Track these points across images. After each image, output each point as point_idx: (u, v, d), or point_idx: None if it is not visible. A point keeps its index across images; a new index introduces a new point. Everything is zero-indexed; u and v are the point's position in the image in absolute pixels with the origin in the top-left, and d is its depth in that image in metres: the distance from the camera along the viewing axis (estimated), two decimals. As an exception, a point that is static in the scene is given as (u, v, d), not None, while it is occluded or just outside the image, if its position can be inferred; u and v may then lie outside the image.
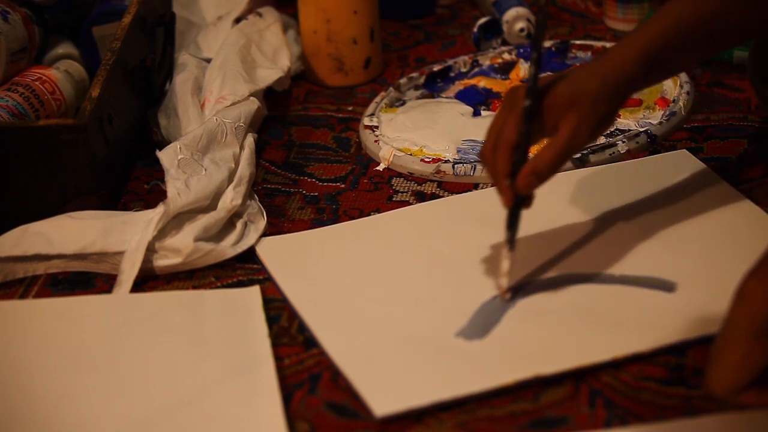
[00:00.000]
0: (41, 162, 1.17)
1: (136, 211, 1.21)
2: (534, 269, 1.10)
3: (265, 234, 1.19)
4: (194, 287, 1.13)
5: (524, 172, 1.02)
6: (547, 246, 1.13)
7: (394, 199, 1.25)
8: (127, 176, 1.31)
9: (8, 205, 1.18)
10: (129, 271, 1.12)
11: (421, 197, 1.25)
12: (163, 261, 1.14)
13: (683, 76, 1.36)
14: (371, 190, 1.27)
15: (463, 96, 1.41)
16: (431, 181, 1.27)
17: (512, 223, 1.05)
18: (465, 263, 1.12)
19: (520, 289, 1.08)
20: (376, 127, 1.35)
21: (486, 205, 1.20)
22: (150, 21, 1.40)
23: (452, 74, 1.46)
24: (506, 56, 1.48)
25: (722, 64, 1.42)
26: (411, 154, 1.30)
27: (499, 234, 1.15)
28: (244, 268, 1.15)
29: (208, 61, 1.41)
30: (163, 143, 1.29)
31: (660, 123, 1.30)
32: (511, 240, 1.05)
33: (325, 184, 1.28)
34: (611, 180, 1.22)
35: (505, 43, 1.52)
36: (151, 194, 1.27)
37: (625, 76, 1.03)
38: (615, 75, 1.03)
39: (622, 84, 1.03)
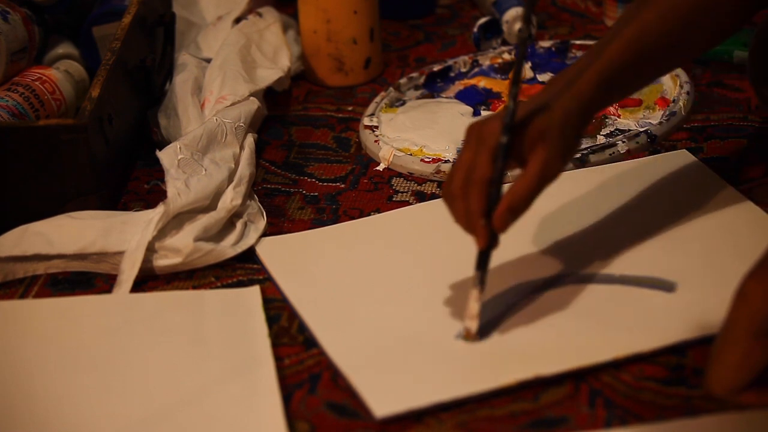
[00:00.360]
0: (41, 162, 1.17)
1: (136, 211, 1.21)
2: (534, 269, 1.10)
3: (265, 234, 1.19)
4: (194, 287, 1.13)
5: (500, 210, 0.99)
6: (546, 246, 1.13)
7: (394, 199, 1.25)
8: (127, 176, 1.31)
9: (8, 205, 1.18)
10: (129, 271, 1.12)
11: (421, 197, 1.25)
12: (163, 261, 1.14)
13: (683, 76, 1.36)
14: (371, 190, 1.27)
15: (463, 96, 1.41)
16: (431, 181, 1.27)
17: (483, 263, 1.01)
18: (465, 263, 1.12)
19: (520, 289, 1.08)
20: (376, 127, 1.35)
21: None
22: (150, 21, 1.40)
23: (452, 74, 1.46)
24: (506, 56, 1.48)
25: (722, 64, 1.42)
26: (411, 154, 1.30)
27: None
28: (244, 268, 1.15)
29: (208, 61, 1.41)
30: (163, 143, 1.29)
31: (660, 123, 1.30)
32: (482, 281, 1.01)
33: (325, 184, 1.28)
34: (611, 180, 1.22)
35: (505, 43, 1.52)
36: (151, 194, 1.27)
37: (587, 101, 1.02)
38: (577, 102, 1.01)
39: (584, 109, 1.02)
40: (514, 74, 1.00)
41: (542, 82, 1.42)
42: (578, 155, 1.25)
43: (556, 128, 1.00)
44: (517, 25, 1.51)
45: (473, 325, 1.02)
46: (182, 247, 1.13)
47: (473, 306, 1.02)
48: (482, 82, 1.43)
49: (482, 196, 0.99)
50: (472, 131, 1.02)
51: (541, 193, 1.00)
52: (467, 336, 1.02)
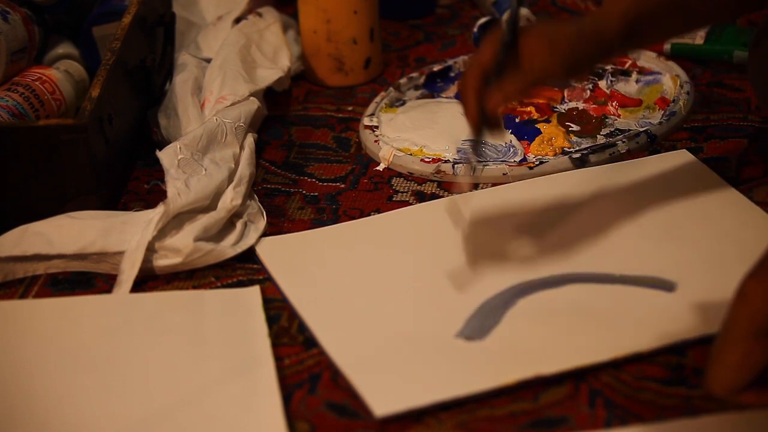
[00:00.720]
0: (41, 162, 1.17)
1: (136, 211, 1.21)
2: (534, 269, 1.10)
3: (265, 234, 1.19)
4: (194, 287, 1.13)
5: (491, 90, 1.04)
6: (546, 246, 1.13)
7: (394, 199, 1.25)
8: (127, 176, 1.31)
9: (8, 205, 1.18)
10: (129, 271, 1.12)
11: (421, 197, 1.25)
12: (163, 261, 1.14)
13: (683, 76, 1.36)
14: (371, 190, 1.27)
15: (463, 96, 1.41)
16: (431, 181, 1.27)
17: (476, 136, 1.06)
18: (464, 263, 1.12)
19: (520, 289, 1.08)
20: (376, 127, 1.35)
21: (485, 206, 1.20)
22: (150, 21, 1.40)
23: (452, 74, 1.46)
24: (506, 56, 1.48)
25: (722, 64, 1.42)
26: (411, 154, 1.30)
27: (498, 233, 1.15)
28: (244, 268, 1.15)
29: (208, 61, 1.41)
30: (163, 143, 1.29)
31: (660, 123, 1.30)
32: (476, 152, 1.07)
33: (325, 184, 1.28)
34: (611, 180, 1.22)
35: (505, 43, 1.52)
36: (151, 194, 1.27)
37: (606, 30, 1.05)
38: (595, 26, 1.05)
39: (600, 35, 1.05)
40: None
41: (542, 82, 1.41)
42: (578, 155, 1.25)
43: (568, 35, 1.04)
44: (517, 25, 1.51)
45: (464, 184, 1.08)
46: (182, 247, 1.13)
47: (464, 178, 1.08)
48: (482, 82, 1.43)
49: (477, 75, 1.04)
50: (492, 31, 1.06)
51: (532, 87, 1.04)
52: (457, 189, 1.07)
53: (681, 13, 1.08)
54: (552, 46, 1.03)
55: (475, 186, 1.25)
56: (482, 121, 1.05)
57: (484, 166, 1.26)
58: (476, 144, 1.06)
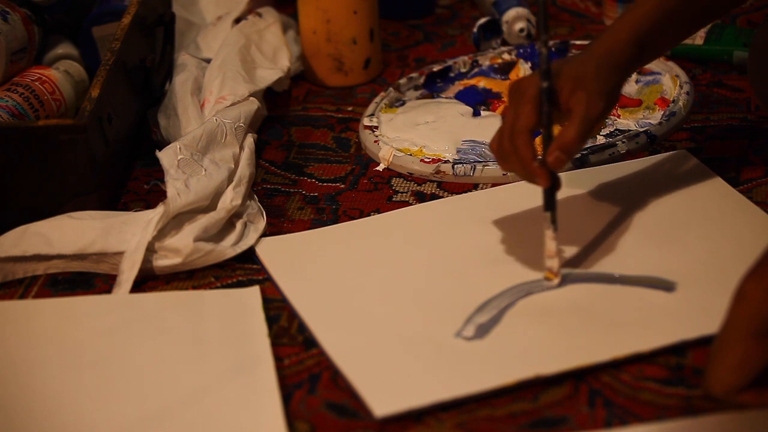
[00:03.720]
0: (41, 162, 1.17)
1: (136, 211, 1.21)
2: (534, 269, 1.10)
3: (264, 234, 1.19)
4: (194, 287, 1.13)
5: (552, 150, 1.03)
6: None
7: (393, 199, 1.25)
8: (127, 176, 1.31)
9: (8, 205, 1.18)
10: (129, 272, 1.12)
11: (421, 197, 1.25)
12: (162, 261, 1.14)
13: (683, 76, 1.36)
14: (371, 190, 1.27)
15: (463, 96, 1.41)
16: (431, 181, 1.27)
17: (551, 203, 1.05)
18: (464, 263, 1.12)
19: (520, 289, 1.08)
20: (376, 127, 1.35)
21: (485, 206, 1.21)
22: (150, 21, 1.40)
23: (452, 74, 1.46)
24: (506, 56, 1.48)
25: (722, 64, 1.42)
26: (411, 155, 1.30)
27: (498, 233, 1.15)
28: (243, 268, 1.15)
29: (208, 61, 1.41)
30: (162, 143, 1.29)
31: (660, 123, 1.30)
32: (554, 220, 1.05)
33: (325, 184, 1.28)
34: (611, 180, 1.22)
35: (504, 43, 1.52)
36: (151, 194, 1.27)
37: (620, 57, 1.07)
38: (610, 56, 1.06)
39: (618, 63, 1.06)
40: (541, 22, 1.04)
41: (542, 82, 1.41)
42: (578, 155, 1.25)
43: (590, 70, 1.05)
44: (517, 25, 1.51)
45: (554, 264, 1.06)
46: (182, 247, 1.13)
47: (551, 245, 1.05)
48: (482, 82, 1.43)
49: (528, 143, 1.04)
50: (510, 91, 1.07)
51: (590, 135, 1.05)
52: (549, 275, 1.06)
53: (683, 19, 1.09)
54: (586, 88, 1.04)
55: (475, 186, 1.26)
56: (554, 184, 1.05)
57: (484, 166, 1.26)
58: (552, 202, 1.05)
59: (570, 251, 1.12)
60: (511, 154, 1.05)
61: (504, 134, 1.06)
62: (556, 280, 1.07)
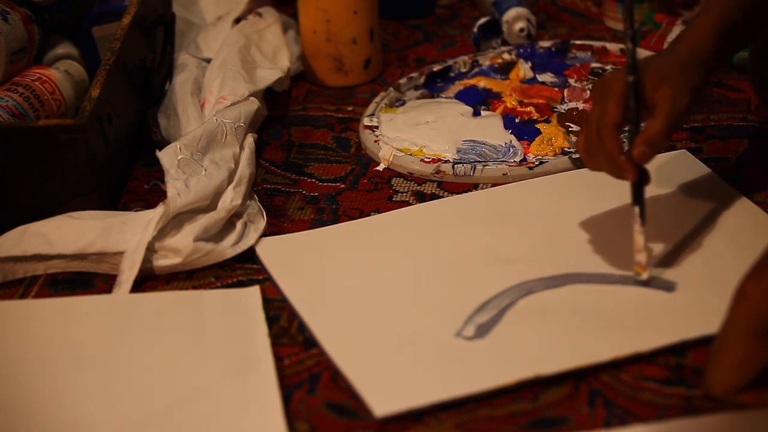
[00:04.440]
0: (41, 162, 1.17)
1: (136, 211, 1.21)
2: (534, 269, 1.10)
3: (264, 234, 1.19)
4: (194, 287, 1.13)
5: (638, 143, 1.04)
6: (546, 246, 1.13)
7: (393, 199, 1.25)
8: (127, 176, 1.31)
9: (8, 204, 1.18)
10: (129, 272, 1.12)
11: (421, 197, 1.25)
12: (162, 261, 1.14)
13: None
14: (371, 190, 1.27)
15: (463, 96, 1.41)
16: (431, 181, 1.27)
17: (639, 197, 1.05)
18: (464, 263, 1.12)
19: (520, 289, 1.08)
20: (376, 127, 1.35)
21: (486, 206, 1.21)
22: (150, 21, 1.40)
23: (452, 74, 1.46)
24: (506, 56, 1.48)
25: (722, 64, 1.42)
26: (411, 154, 1.30)
27: (498, 233, 1.15)
28: (243, 268, 1.15)
29: (208, 61, 1.41)
30: (162, 143, 1.29)
31: (660, 123, 1.30)
32: (642, 214, 1.05)
33: (325, 184, 1.28)
34: (611, 180, 1.22)
35: (504, 43, 1.52)
36: (151, 194, 1.27)
37: (703, 51, 1.07)
38: (694, 52, 1.07)
39: (702, 58, 1.07)
40: (627, 14, 1.05)
41: (542, 82, 1.42)
42: (578, 155, 1.25)
43: (675, 67, 1.05)
44: (517, 25, 1.51)
45: (642, 257, 1.06)
46: (182, 247, 1.13)
47: (639, 239, 1.05)
48: (482, 82, 1.43)
49: (615, 137, 1.04)
50: (595, 87, 1.08)
51: (676, 130, 1.05)
52: (638, 270, 1.06)
53: (760, 10, 1.10)
54: (671, 83, 1.05)
55: (475, 186, 1.26)
56: (642, 178, 1.05)
57: (484, 166, 1.26)
58: (640, 196, 1.06)
59: (570, 251, 1.12)
60: (599, 150, 1.05)
61: (591, 130, 1.06)
62: (645, 275, 1.06)
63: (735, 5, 1.08)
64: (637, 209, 1.05)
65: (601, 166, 1.06)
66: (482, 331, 1.03)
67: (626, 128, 1.07)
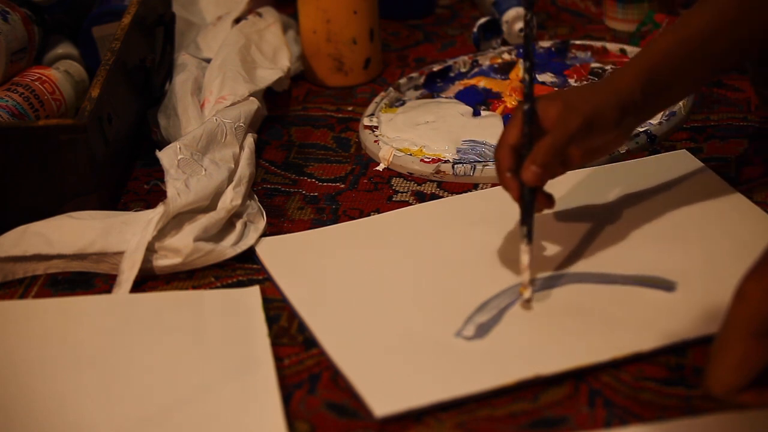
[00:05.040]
0: (41, 162, 1.17)
1: (136, 211, 1.21)
2: (534, 269, 1.10)
3: (264, 234, 1.19)
4: (194, 287, 1.13)
5: (525, 164, 1.04)
6: (547, 246, 1.13)
7: (393, 199, 1.25)
8: (127, 176, 1.31)
9: (8, 205, 1.18)
10: (129, 272, 1.12)
11: (421, 197, 1.25)
12: (162, 261, 1.14)
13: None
14: (371, 190, 1.27)
15: (463, 96, 1.41)
16: (431, 181, 1.27)
17: (525, 217, 1.06)
18: (464, 263, 1.12)
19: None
20: (376, 127, 1.35)
21: (486, 206, 1.21)
22: (150, 21, 1.40)
23: (452, 74, 1.46)
24: (506, 56, 1.48)
25: (722, 64, 1.42)
26: (411, 154, 1.30)
27: (498, 233, 1.15)
28: (243, 268, 1.15)
29: (208, 61, 1.41)
30: (162, 143, 1.29)
31: (660, 123, 1.30)
32: (528, 234, 1.05)
33: (325, 184, 1.28)
34: (611, 180, 1.22)
35: (504, 43, 1.52)
36: (151, 194, 1.27)
37: (622, 83, 1.07)
38: (613, 82, 1.07)
39: (618, 88, 1.06)
40: (527, 50, 1.07)
41: (542, 83, 1.42)
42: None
43: (575, 92, 1.07)
44: (517, 25, 1.51)
45: (525, 276, 1.05)
46: (182, 247, 1.13)
47: (524, 258, 1.05)
48: (482, 82, 1.43)
49: (507, 155, 1.06)
50: (515, 108, 1.10)
51: (564, 147, 1.04)
52: (522, 290, 1.05)
53: (701, 60, 1.09)
54: (567, 105, 1.05)
55: (475, 186, 1.26)
56: (530, 199, 1.05)
57: (484, 166, 1.26)
58: (529, 224, 1.06)
59: (570, 251, 1.12)
60: (495, 162, 1.07)
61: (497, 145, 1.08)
62: (527, 294, 1.05)
63: (668, 52, 1.07)
64: (524, 229, 1.05)
65: (498, 179, 1.08)
66: (482, 331, 1.03)
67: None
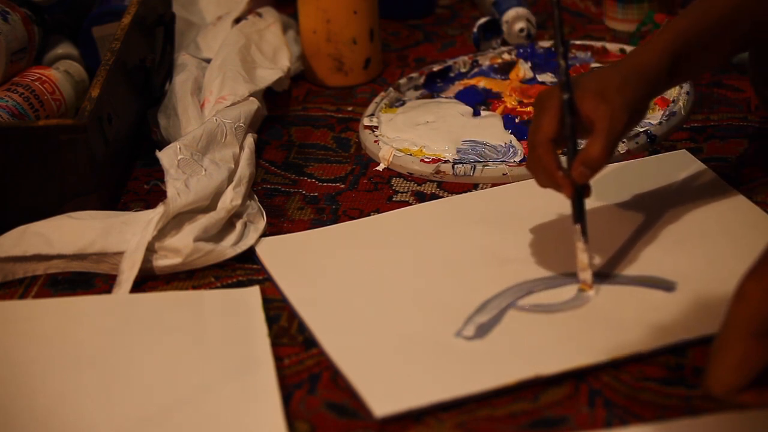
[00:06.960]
0: (41, 162, 1.17)
1: (136, 211, 1.21)
2: (534, 269, 1.10)
3: (264, 234, 1.19)
4: (194, 287, 1.13)
5: (576, 164, 1.04)
6: (547, 246, 1.13)
7: (393, 199, 1.25)
8: (127, 176, 1.31)
9: (8, 204, 1.18)
10: (128, 272, 1.12)
11: (421, 197, 1.25)
12: (162, 261, 1.14)
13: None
14: (371, 190, 1.27)
15: (463, 96, 1.41)
16: (431, 181, 1.27)
17: (580, 214, 1.05)
18: (464, 263, 1.12)
19: (520, 289, 1.08)
20: (376, 127, 1.35)
21: (486, 206, 1.21)
22: (150, 21, 1.40)
23: (452, 74, 1.46)
24: (506, 56, 1.48)
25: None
26: (411, 154, 1.30)
27: (498, 233, 1.15)
28: (243, 268, 1.15)
29: (208, 61, 1.41)
30: (162, 143, 1.29)
31: (660, 123, 1.30)
32: (584, 231, 1.05)
33: (325, 184, 1.28)
34: (611, 180, 1.22)
35: (504, 43, 1.52)
36: (151, 194, 1.27)
37: (649, 69, 1.06)
38: (639, 67, 1.06)
39: (647, 76, 1.06)
40: (557, 34, 1.06)
41: (542, 82, 1.42)
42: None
43: (614, 84, 1.04)
44: (517, 25, 1.51)
45: (587, 276, 1.06)
46: (182, 247, 1.13)
47: (583, 257, 1.05)
48: (482, 82, 1.43)
49: (550, 152, 1.04)
50: (536, 102, 1.07)
51: (616, 148, 1.04)
52: (584, 287, 1.06)
53: (724, 39, 1.09)
54: (607, 100, 1.04)
55: (475, 186, 1.26)
56: (580, 193, 1.05)
57: (484, 166, 1.26)
58: (583, 221, 1.05)
59: (570, 251, 1.12)
60: (538, 166, 1.05)
61: (528, 148, 1.06)
62: (591, 292, 1.06)
63: (692, 33, 1.07)
64: (578, 227, 1.05)
65: (543, 182, 1.06)
66: (482, 331, 1.03)
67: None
